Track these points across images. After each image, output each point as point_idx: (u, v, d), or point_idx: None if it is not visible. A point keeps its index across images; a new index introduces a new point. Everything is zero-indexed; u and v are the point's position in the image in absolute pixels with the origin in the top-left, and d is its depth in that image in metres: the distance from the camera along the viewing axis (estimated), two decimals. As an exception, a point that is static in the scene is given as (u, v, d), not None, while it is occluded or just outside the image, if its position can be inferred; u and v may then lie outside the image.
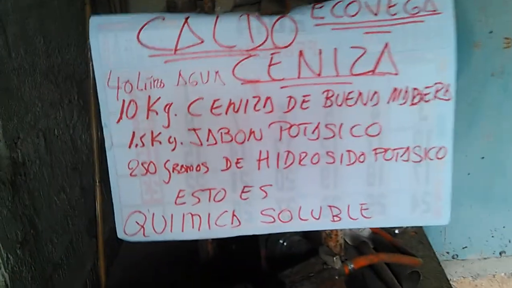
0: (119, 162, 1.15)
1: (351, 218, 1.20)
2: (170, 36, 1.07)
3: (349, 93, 1.10)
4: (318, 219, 1.20)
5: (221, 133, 1.13)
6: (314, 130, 1.13)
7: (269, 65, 1.09)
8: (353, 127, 1.13)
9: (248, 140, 1.13)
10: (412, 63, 1.08)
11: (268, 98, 1.11)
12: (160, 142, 1.13)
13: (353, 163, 1.16)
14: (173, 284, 1.39)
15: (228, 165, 1.15)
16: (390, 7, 1.06)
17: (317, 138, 1.14)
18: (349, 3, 1.06)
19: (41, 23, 1.22)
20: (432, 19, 1.06)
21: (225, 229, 1.20)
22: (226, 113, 1.11)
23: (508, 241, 2.13)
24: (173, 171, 1.16)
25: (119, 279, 1.47)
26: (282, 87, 1.10)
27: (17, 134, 1.09)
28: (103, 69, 1.09)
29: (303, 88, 1.10)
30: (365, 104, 1.11)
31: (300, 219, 1.20)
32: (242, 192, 1.18)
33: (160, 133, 1.13)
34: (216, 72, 1.09)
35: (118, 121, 1.12)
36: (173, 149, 1.14)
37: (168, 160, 1.15)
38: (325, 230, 1.32)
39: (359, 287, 1.36)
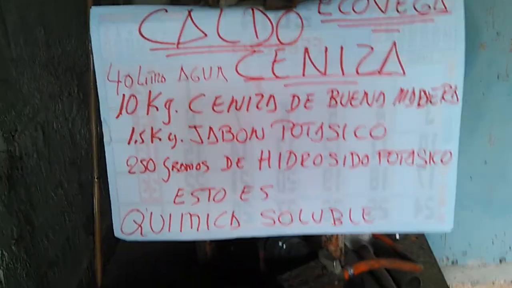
0: (118, 158, 1.13)
1: (352, 221, 1.18)
2: (172, 29, 1.05)
3: (354, 93, 1.08)
4: (319, 222, 1.18)
5: (223, 131, 1.11)
6: (318, 131, 1.11)
7: (273, 62, 1.07)
8: (357, 128, 1.11)
9: (249, 139, 1.11)
10: (420, 63, 1.06)
11: (271, 96, 1.09)
12: (160, 139, 1.11)
13: (356, 166, 1.14)
14: (171, 283, 1.37)
15: (229, 164, 1.13)
16: (399, 4, 1.04)
17: (320, 139, 1.12)
18: (357, 0, 1.04)
19: (42, 12, 1.20)
20: (442, 19, 1.04)
21: (224, 230, 1.18)
22: (228, 111, 1.09)
23: (509, 248, 2.11)
24: (172, 169, 1.14)
25: (115, 277, 1.45)
26: (286, 85, 1.08)
27: (15, 127, 1.07)
28: (103, 62, 1.07)
29: (308, 86, 1.08)
30: (370, 105, 1.09)
31: (301, 221, 1.18)
32: (242, 192, 1.16)
33: (160, 129, 1.11)
34: (219, 68, 1.07)
35: (118, 116, 1.10)
36: (173, 147, 1.12)
37: (167, 158, 1.13)
38: (325, 234, 1.30)
39: (359, 293, 1.34)
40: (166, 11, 1.05)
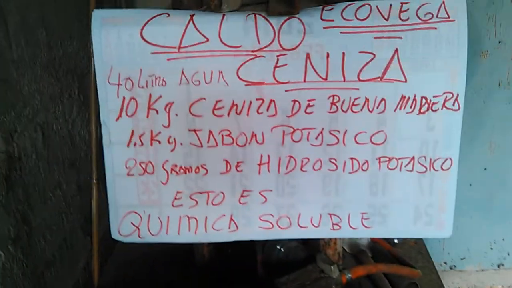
0: (117, 160, 1.12)
1: (351, 227, 1.18)
2: (174, 33, 1.05)
3: (355, 99, 1.08)
4: (317, 227, 1.17)
5: (222, 135, 1.10)
6: (318, 136, 1.11)
7: (275, 67, 1.06)
8: (357, 134, 1.11)
9: (249, 143, 1.11)
10: (422, 71, 1.06)
11: (272, 101, 1.08)
12: (159, 142, 1.11)
13: (356, 171, 1.13)
14: (168, 285, 1.36)
15: (228, 168, 1.13)
16: (401, 12, 1.03)
17: (320, 144, 1.11)
18: (360, 7, 1.04)
19: (43, 14, 1.19)
20: (444, 27, 1.03)
21: (222, 234, 1.18)
22: (228, 115, 1.09)
23: (507, 254, 2.11)
24: (171, 172, 1.13)
25: (112, 278, 1.45)
26: (286, 90, 1.08)
27: (14, 127, 1.07)
28: (104, 64, 1.07)
29: (309, 92, 1.08)
30: (371, 111, 1.09)
31: (299, 226, 1.18)
32: (241, 196, 1.15)
33: (159, 132, 1.10)
34: (220, 72, 1.07)
35: (117, 118, 1.09)
36: (173, 150, 1.12)
37: (166, 161, 1.12)
38: (323, 238, 1.29)
39: (356, 297, 1.34)
40: (168, 15, 1.04)
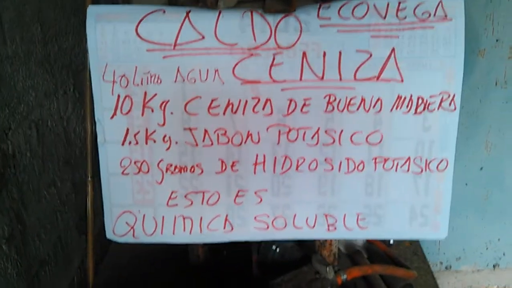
0: (111, 159, 1.12)
1: (346, 228, 1.17)
2: (170, 30, 1.04)
3: (352, 98, 1.08)
4: (313, 227, 1.17)
5: (218, 134, 1.10)
6: (314, 136, 1.10)
7: (271, 66, 1.06)
8: (353, 134, 1.10)
9: (245, 142, 1.10)
10: (418, 70, 1.06)
11: (268, 100, 1.08)
12: (155, 141, 1.10)
13: (351, 172, 1.13)
14: (163, 285, 1.36)
15: (224, 167, 1.12)
16: (399, 11, 1.03)
17: (316, 144, 1.11)
18: (357, 5, 1.03)
19: (39, 9, 1.18)
20: (442, 26, 1.03)
21: (217, 234, 1.17)
22: (224, 114, 1.08)
23: (503, 254, 2.12)
24: (166, 171, 1.13)
25: (107, 277, 1.44)
26: (283, 89, 1.07)
27: (8, 124, 1.06)
28: (99, 61, 1.06)
29: (305, 91, 1.07)
30: (367, 111, 1.08)
31: (295, 226, 1.17)
32: (237, 196, 1.15)
33: (154, 131, 1.10)
34: (216, 71, 1.06)
35: (112, 116, 1.09)
36: (168, 149, 1.11)
37: (161, 160, 1.12)
38: (319, 239, 1.29)
39: (352, 298, 1.34)
40: (164, 11, 1.04)
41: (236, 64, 1.05)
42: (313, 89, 1.07)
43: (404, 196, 1.15)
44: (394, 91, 1.07)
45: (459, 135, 1.10)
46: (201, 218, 1.16)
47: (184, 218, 1.16)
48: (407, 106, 1.08)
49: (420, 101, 1.07)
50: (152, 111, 1.08)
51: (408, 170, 1.13)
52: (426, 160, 1.12)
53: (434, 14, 1.03)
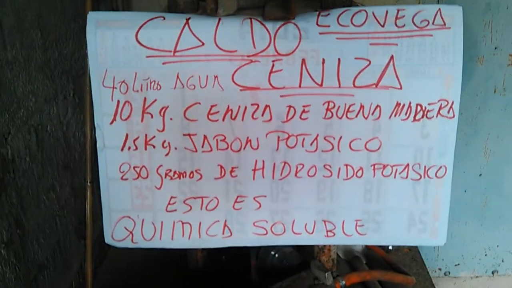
0: (110, 164, 1.12)
1: (345, 234, 1.17)
2: (169, 36, 1.04)
3: (351, 105, 1.08)
4: (311, 233, 1.17)
5: (217, 140, 1.10)
6: (313, 142, 1.10)
7: (270, 73, 1.06)
8: (352, 140, 1.10)
9: (244, 148, 1.11)
10: (417, 78, 1.06)
11: (267, 106, 1.08)
12: (154, 146, 1.10)
13: (350, 178, 1.13)
14: (161, 290, 1.37)
15: (222, 173, 1.13)
16: (398, 18, 1.03)
17: (315, 150, 1.11)
18: (356, 13, 1.03)
19: (40, 15, 1.19)
20: (440, 34, 1.03)
21: (216, 239, 1.17)
22: (223, 120, 1.08)
23: (501, 261, 2.12)
24: (165, 177, 1.13)
25: (106, 282, 1.44)
26: (282, 96, 1.07)
27: (8, 129, 1.06)
28: (99, 67, 1.06)
29: (304, 98, 1.08)
30: (366, 118, 1.09)
31: (293, 232, 1.17)
32: (235, 202, 1.15)
33: (154, 136, 1.10)
34: (215, 77, 1.06)
35: (112, 122, 1.09)
36: (167, 154, 1.11)
37: (161, 165, 1.12)
38: (317, 244, 1.29)
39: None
40: (164, 18, 1.04)
41: (236, 71, 1.06)
42: (312, 96, 1.07)
43: (402, 202, 1.15)
44: (392, 98, 1.07)
45: (458, 142, 1.10)
46: (200, 223, 1.16)
47: (183, 223, 1.16)
48: (406, 113, 1.08)
49: (418, 108, 1.08)
50: (152, 117, 1.09)
51: (406, 176, 1.13)
52: (425, 167, 1.12)
53: (433, 22, 1.03)
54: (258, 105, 1.08)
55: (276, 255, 1.36)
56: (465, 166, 1.91)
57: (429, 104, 1.07)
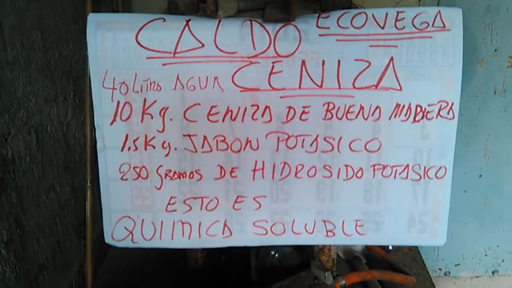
0: (110, 165, 1.12)
1: (345, 234, 1.17)
2: (169, 38, 1.04)
3: (350, 106, 1.08)
4: (311, 233, 1.17)
5: (217, 140, 1.10)
6: (312, 143, 1.11)
7: (270, 74, 1.06)
8: (352, 141, 1.11)
9: (244, 149, 1.11)
10: (417, 79, 1.06)
11: (267, 107, 1.08)
12: (154, 147, 1.11)
13: (350, 178, 1.13)
14: (161, 290, 1.37)
15: (222, 173, 1.13)
16: (397, 20, 1.03)
17: (315, 151, 1.11)
18: (356, 15, 1.04)
19: (40, 16, 1.19)
20: (440, 36, 1.04)
21: (216, 239, 1.18)
22: (223, 121, 1.09)
23: (501, 261, 2.12)
24: (165, 177, 1.13)
25: (106, 282, 1.45)
26: (282, 97, 1.07)
27: (8, 130, 1.06)
28: (99, 68, 1.06)
29: (304, 99, 1.08)
30: (366, 119, 1.09)
31: (293, 232, 1.17)
32: (235, 202, 1.15)
33: (154, 137, 1.10)
34: (215, 78, 1.06)
35: (112, 123, 1.09)
36: (167, 155, 1.11)
37: (161, 166, 1.12)
38: (317, 244, 1.29)
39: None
40: (164, 20, 1.04)
41: (236, 72, 1.06)
42: (312, 97, 1.07)
43: (402, 203, 1.15)
44: (392, 99, 1.07)
45: (458, 143, 1.10)
46: (199, 224, 1.16)
47: (182, 223, 1.16)
48: (406, 115, 1.08)
49: (418, 109, 1.08)
50: (152, 117, 1.09)
51: (406, 177, 1.13)
52: (425, 168, 1.12)
53: (433, 24, 1.03)
54: (258, 106, 1.08)
55: (276, 255, 1.36)
56: (465, 167, 1.91)
57: (429, 105, 1.07)
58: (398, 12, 1.03)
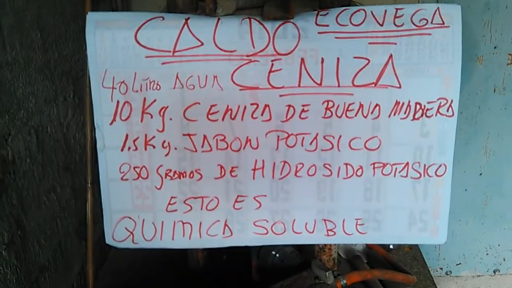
0: (111, 165, 1.12)
1: (345, 233, 1.17)
2: (168, 37, 1.04)
3: (350, 104, 1.08)
4: (312, 232, 1.17)
5: (217, 139, 1.10)
6: (312, 141, 1.11)
7: (269, 72, 1.06)
8: (352, 139, 1.11)
9: (244, 148, 1.11)
10: (416, 76, 1.06)
11: (266, 105, 1.08)
12: (154, 147, 1.11)
13: (350, 177, 1.13)
14: (162, 291, 1.36)
15: (222, 173, 1.13)
16: (396, 17, 1.03)
17: (315, 150, 1.11)
18: (355, 12, 1.04)
19: (39, 15, 1.19)
20: (439, 33, 1.04)
21: (216, 239, 1.18)
22: (223, 120, 1.09)
23: (503, 259, 2.12)
24: (165, 177, 1.13)
25: (107, 283, 1.44)
26: (281, 95, 1.07)
27: (8, 130, 1.06)
28: (98, 67, 1.06)
29: (303, 97, 1.08)
30: (365, 117, 1.09)
31: (294, 232, 1.17)
32: (236, 201, 1.15)
33: (154, 137, 1.10)
34: (215, 77, 1.06)
35: (111, 122, 1.09)
36: (167, 154, 1.11)
37: (161, 165, 1.12)
38: (318, 244, 1.29)
39: (351, 303, 1.33)
40: (163, 18, 1.04)
41: (235, 71, 1.06)
42: (312, 95, 1.07)
43: (402, 201, 1.15)
44: (392, 97, 1.07)
45: (458, 141, 1.10)
46: (200, 223, 1.16)
47: (183, 223, 1.16)
48: (405, 112, 1.08)
49: (418, 107, 1.08)
50: (151, 117, 1.09)
51: (406, 175, 1.13)
52: (425, 166, 1.12)
53: (432, 21, 1.03)
54: (257, 105, 1.08)
55: (277, 255, 1.36)
56: (465, 165, 1.91)
57: (428, 102, 1.07)
58: (397, 9, 1.03)
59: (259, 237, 1.18)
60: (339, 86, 1.07)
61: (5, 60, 1.04)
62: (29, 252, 1.14)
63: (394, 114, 1.08)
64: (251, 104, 1.08)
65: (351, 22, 1.04)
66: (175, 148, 1.11)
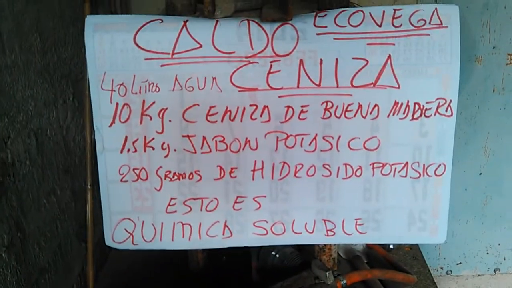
0: (110, 167, 1.12)
1: (345, 233, 1.18)
2: (167, 39, 1.05)
3: (349, 105, 1.08)
4: (311, 233, 1.17)
5: (216, 141, 1.10)
6: (311, 142, 1.11)
7: (268, 73, 1.06)
8: (351, 140, 1.11)
9: (243, 149, 1.11)
10: (415, 77, 1.06)
11: (265, 107, 1.08)
12: (153, 148, 1.11)
13: (349, 177, 1.13)
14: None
15: (222, 174, 1.13)
16: (394, 18, 1.04)
17: (314, 150, 1.11)
18: (353, 13, 1.04)
19: (38, 19, 1.19)
20: (437, 33, 1.04)
21: (216, 240, 1.18)
22: (222, 121, 1.09)
23: (503, 259, 2.12)
24: (165, 178, 1.13)
25: (107, 284, 1.45)
26: (280, 96, 1.08)
27: (8, 133, 1.06)
28: (97, 70, 1.07)
29: (302, 98, 1.08)
30: (364, 117, 1.09)
31: (294, 232, 1.17)
32: (235, 202, 1.15)
33: (153, 138, 1.10)
34: (213, 78, 1.06)
35: (111, 125, 1.09)
36: (166, 156, 1.11)
37: (160, 167, 1.12)
38: (318, 244, 1.29)
39: (352, 303, 1.34)
40: (162, 21, 1.04)
41: (234, 72, 1.06)
42: (310, 96, 1.08)
43: (402, 201, 1.16)
44: (390, 97, 1.08)
45: (457, 141, 1.11)
46: (200, 224, 1.16)
47: (183, 225, 1.16)
48: (404, 112, 1.08)
49: (416, 107, 1.08)
50: (151, 119, 1.09)
51: (406, 175, 1.13)
52: (424, 165, 1.12)
53: (430, 22, 1.04)
54: (256, 106, 1.08)
55: (277, 256, 1.36)
56: (465, 165, 1.91)
57: (427, 102, 1.08)
58: (395, 10, 1.04)
59: (259, 237, 1.18)
60: (338, 86, 1.07)
61: (4, 64, 1.05)
62: (29, 254, 1.14)
63: (393, 114, 1.08)
64: (250, 105, 1.08)
65: (349, 23, 1.04)
66: (175, 150, 1.11)
